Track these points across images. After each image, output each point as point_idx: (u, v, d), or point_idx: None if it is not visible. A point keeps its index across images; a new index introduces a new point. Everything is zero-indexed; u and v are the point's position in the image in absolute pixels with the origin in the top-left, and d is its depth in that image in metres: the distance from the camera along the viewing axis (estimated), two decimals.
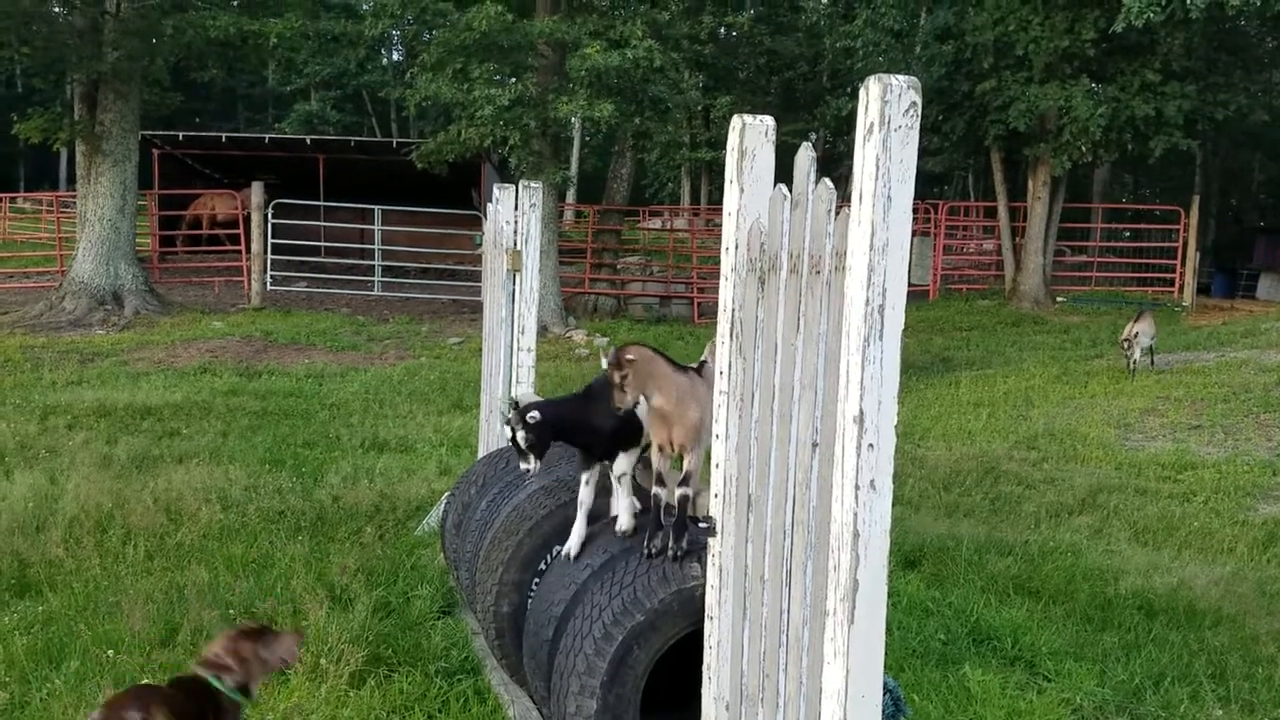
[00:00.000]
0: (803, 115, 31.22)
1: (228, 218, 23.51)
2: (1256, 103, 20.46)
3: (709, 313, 19.36)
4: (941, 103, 20.87)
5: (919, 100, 2.85)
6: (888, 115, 2.80)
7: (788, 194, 3.30)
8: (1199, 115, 19.31)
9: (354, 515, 7.27)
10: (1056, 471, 9.77)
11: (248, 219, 19.86)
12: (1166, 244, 21.10)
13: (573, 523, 4.47)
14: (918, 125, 2.87)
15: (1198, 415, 11.76)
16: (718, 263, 20.19)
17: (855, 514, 2.87)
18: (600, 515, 4.50)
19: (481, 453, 6.93)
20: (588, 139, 35.74)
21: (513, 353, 6.54)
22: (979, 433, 11.08)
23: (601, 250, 20.65)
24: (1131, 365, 13.78)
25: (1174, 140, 18.47)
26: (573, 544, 4.14)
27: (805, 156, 3.20)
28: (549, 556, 4.50)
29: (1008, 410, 12.16)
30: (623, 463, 4.14)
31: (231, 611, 5.27)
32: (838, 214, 3.07)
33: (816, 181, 3.16)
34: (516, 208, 6.48)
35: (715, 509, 3.59)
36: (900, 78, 2.86)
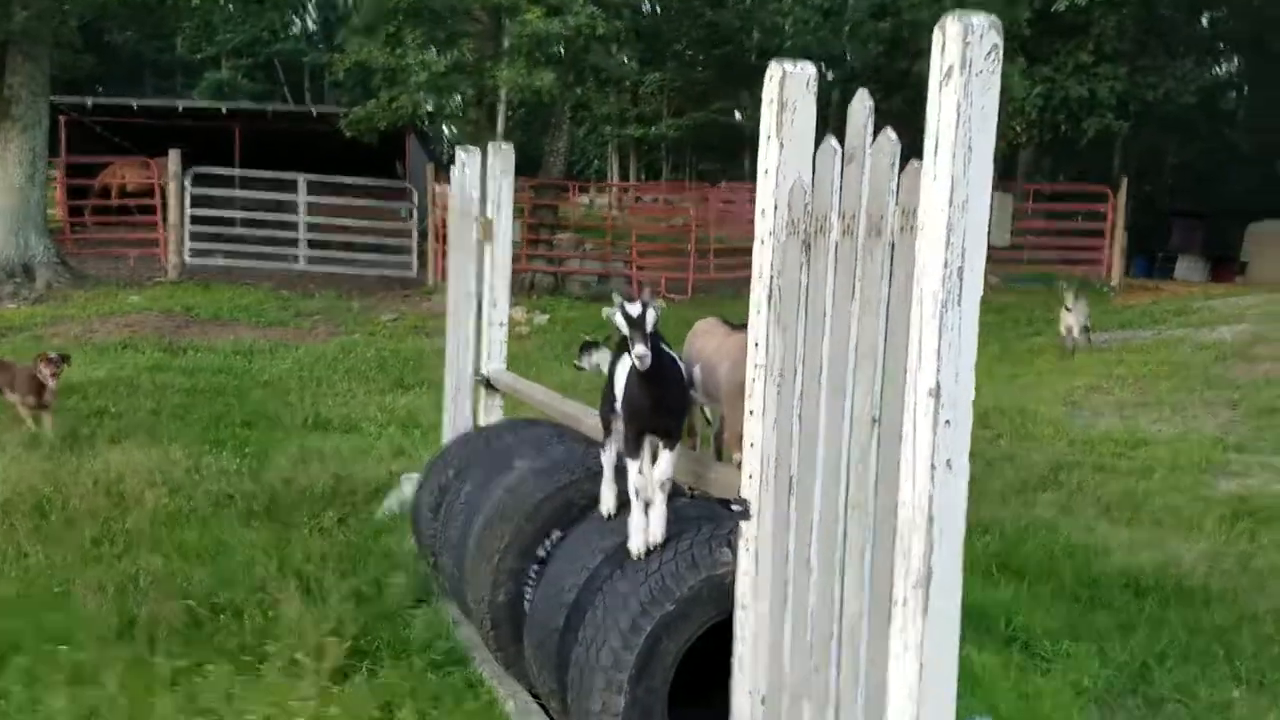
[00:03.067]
0: (741, 92, 31.05)
1: (139, 187, 22.47)
2: (1183, 86, 20.87)
3: None
4: (879, 81, 20.85)
5: (1001, 43, 2.63)
6: (969, 58, 2.57)
7: (838, 148, 3.04)
8: (1129, 97, 19.60)
9: (309, 499, 6.87)
10: (1014, 449, 9.75)
11: (163, 189, 19.00)
12: (1095, 225, 21.42)
13: (574, 507, 4.21)
14: (1000, 70, 2.64)
15: (1143, 393, 11.89)
16: (655, 240, 19.96)
17: (931, 496, 2.65)
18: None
19: (447, 433, 6.60)
20: (510, 112, 35.20)
21: (484, 327, 6.21)
22: None
23: (538, 226, 20.22)
24: (1071, 346, 13.92)
25: (1106, 122, 18.73)
26: (608, 502, 3.83)
27: (862, 107, 2.95)
28: (548, 543, 4.21)
29: None
30: (672, 464, 3.59)
31: (190, 602, 4.88)
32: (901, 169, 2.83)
33: (875, 133, 2.91)
34: (485, 173, 6.14)
35: (748, 490, 3.34)
36: (981, 17, 2.64)
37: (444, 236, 19.44)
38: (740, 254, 22.76)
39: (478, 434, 5.46)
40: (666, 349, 3.59)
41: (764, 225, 3.30)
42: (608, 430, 3.86)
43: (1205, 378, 12.19)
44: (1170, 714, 4.43)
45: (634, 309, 3.39)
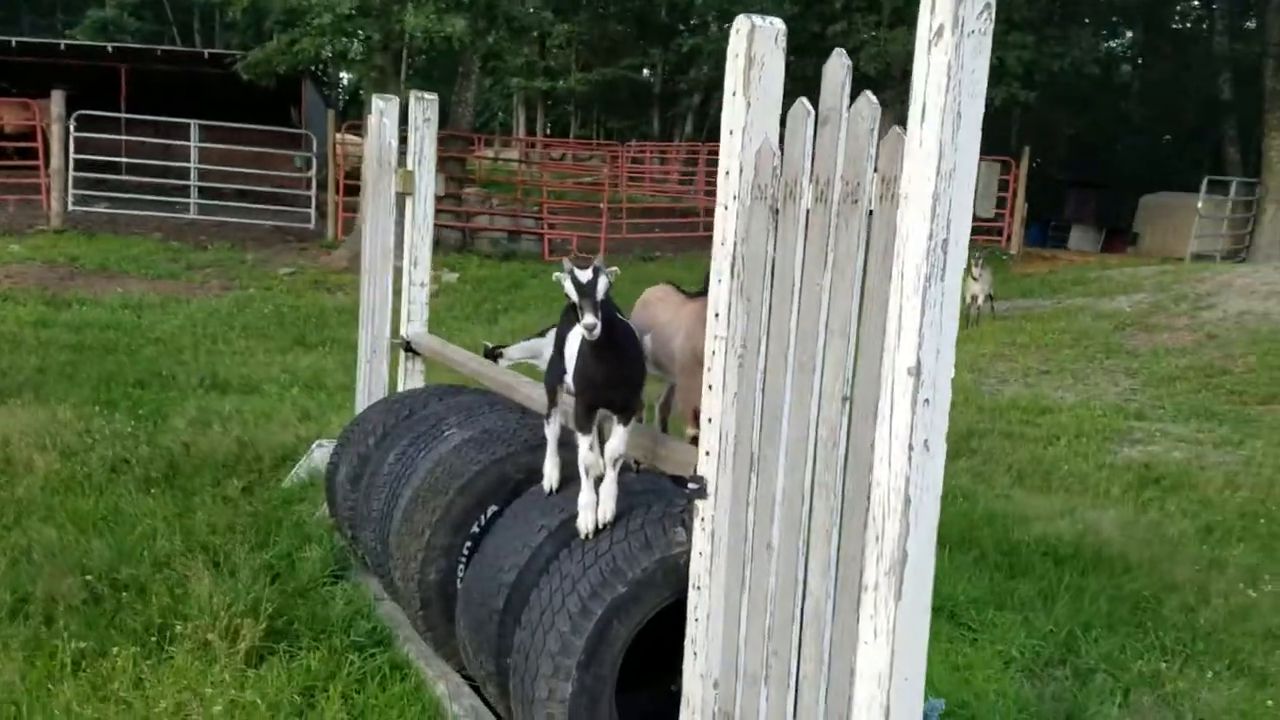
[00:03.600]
0: (652, 49, 30.64)
1: (18, 129, 21.23)
2: (1087, 56, 21.25)
3: (559, 250, 18.81)
4: (790, 43, 20.68)
5: (994, 2, 2.49)
6: (960, 16, 2.43)
7: (811, 110, 2.88)
8: (1036, 67, 19.90)
9: (210, 465, 6.53)
10: None
11: (45, 132, 17.92)
12: (997, 194, 21.78)
13: (510, 480, 4.01)
14: (991, 31, 2.51)
15: (1045, 360, 12.13)
16: (565, 198, 19.55)
17: (908, 478, 2.53)
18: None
19: (361, 399, 6.31)
20: (410, 59, 34.21)
21: (403, 287, 5.92)
22: None
23: (445, 180, 19.67)
24: (975, 314, 14.14)
25: (1012, 91, 19.01)
26: (551, 477, 3.65)
27: (839, 65, 2.79)
28: (483, 517, 4.01)
29: None
30: (626, 441, 3.39)
31: (89, 577, 4.55)
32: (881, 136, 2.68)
33: (853, 96, 2.76)
34: (407, 122, 5.83)
35: (705, 468, 3.19)
36: None
37: (346, 188, 18.95)
38: (654, 214, 22.60)
39: (400, 400, 5.20)
40: (621, 318, 3.41)
41: (728, 189, 3.13)
42: (553, 401, 3.67)
43: (1105, 346, 12.50)
44: (1100, 685, 4.46)
45: (584, 275, 3.19)
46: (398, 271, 6.00)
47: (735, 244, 3.11)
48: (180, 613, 4.25)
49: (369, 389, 6.26)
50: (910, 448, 2.52)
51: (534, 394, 4.49)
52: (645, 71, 35.75)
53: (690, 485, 3.20)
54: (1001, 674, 4.58)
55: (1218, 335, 12.66)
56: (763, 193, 3.04)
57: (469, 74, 19.89)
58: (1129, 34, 39.05)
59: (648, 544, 3.27)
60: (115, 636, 4.10)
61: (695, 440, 3.72)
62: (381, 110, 6.18)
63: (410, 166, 5.80)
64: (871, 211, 2.67)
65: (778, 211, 2.99)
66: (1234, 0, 28.62)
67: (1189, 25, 37.91)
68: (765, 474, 3.02)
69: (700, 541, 3.20)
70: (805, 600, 2.87)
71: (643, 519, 3.35)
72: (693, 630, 3.23)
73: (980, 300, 14.20)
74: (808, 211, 2.88)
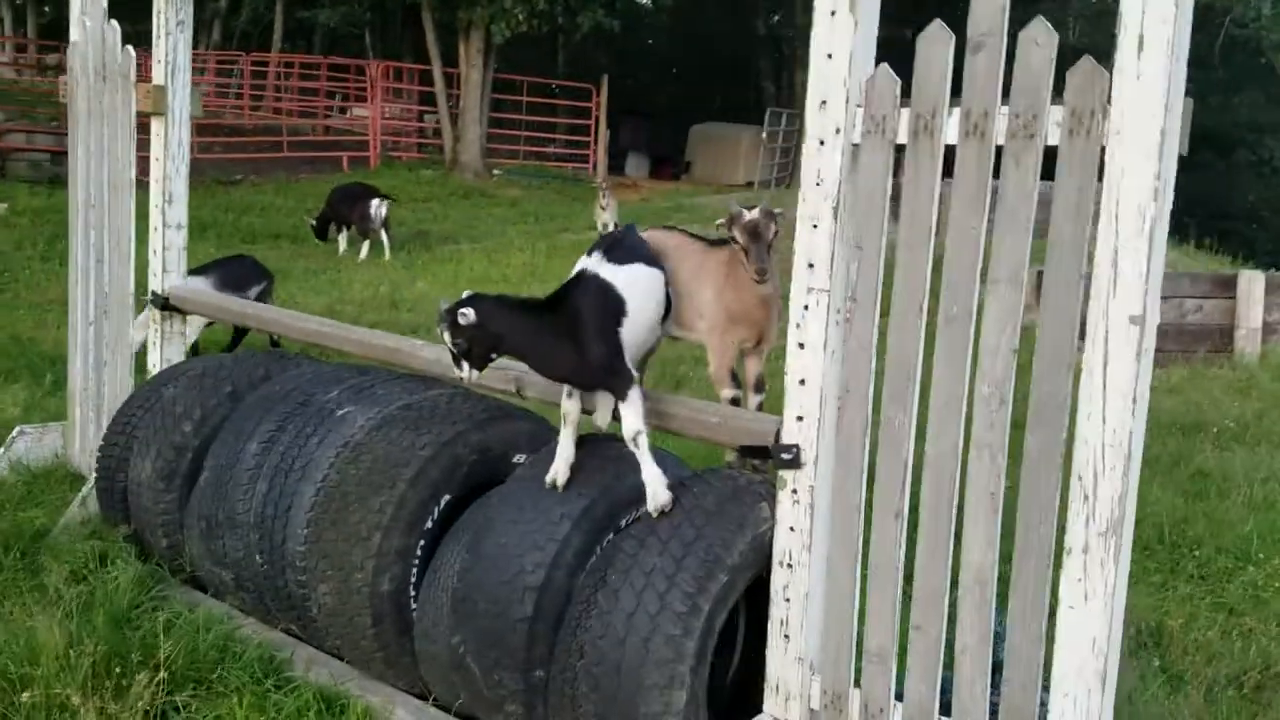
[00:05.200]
0: None
1: None
2: None
3: None
4: None
5: None
6: None
7: (950, 33, 2.61)
8: None
9: None
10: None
11: None
12: (583, 121, 22.24)
13: (462, 465, 3.39)
14: None
15: None
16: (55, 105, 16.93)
17: (1131, 432, 2.43)
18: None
19: (80, 374, 5.06)
20: None
21: (157, 229, 4.76)
22: None
23: None
24: None
25: (597, 18, 19.34)
26: (559, 470, 3.09)
27: None
28: (436, 510, 3.36)
29: (535, 287, 11.97)
30: (635, 414, 3.02)
31: None
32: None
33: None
34: (159, 26, 4.63)
35: (798, 435, 2.87)
36: None
37: None
38: (217, 132, 20.28)
39: (211, 374, 4.15)
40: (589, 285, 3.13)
41: (825, 121, 2.78)
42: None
43: None
44: None
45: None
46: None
47: (838, 183, 2.77)
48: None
49: (96, 360, 5.01)
50: (1134, 400, 2.42)
51: (432, 356, 3.83)
52: None
53: (782, 455, 2.87)
54: None
55: None
56: (878, 125, 2.73)
57: None
58: None
59: (741, 524, 2.89)
60: None
61: (735, 402, 3.36)
62: (85, 11, 4.89)
63: (162, 80, 4.63)
64: (1069, 148, 2.48)
65: (902, 147, 2.71)
66: None
67: None
68: (891, 437, 2.77)
69: (792, 515, 2.89)
70: (963, 569, 2.69)
71: (716, 496, 2.96)
72: (782, 611, 2.93)
73: (611, 229, 14.46)
74: (955, 148, 2.63)
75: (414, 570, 3.32)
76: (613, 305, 3.06)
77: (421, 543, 3.32)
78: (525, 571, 2.99)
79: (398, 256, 13.80)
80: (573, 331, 3.01)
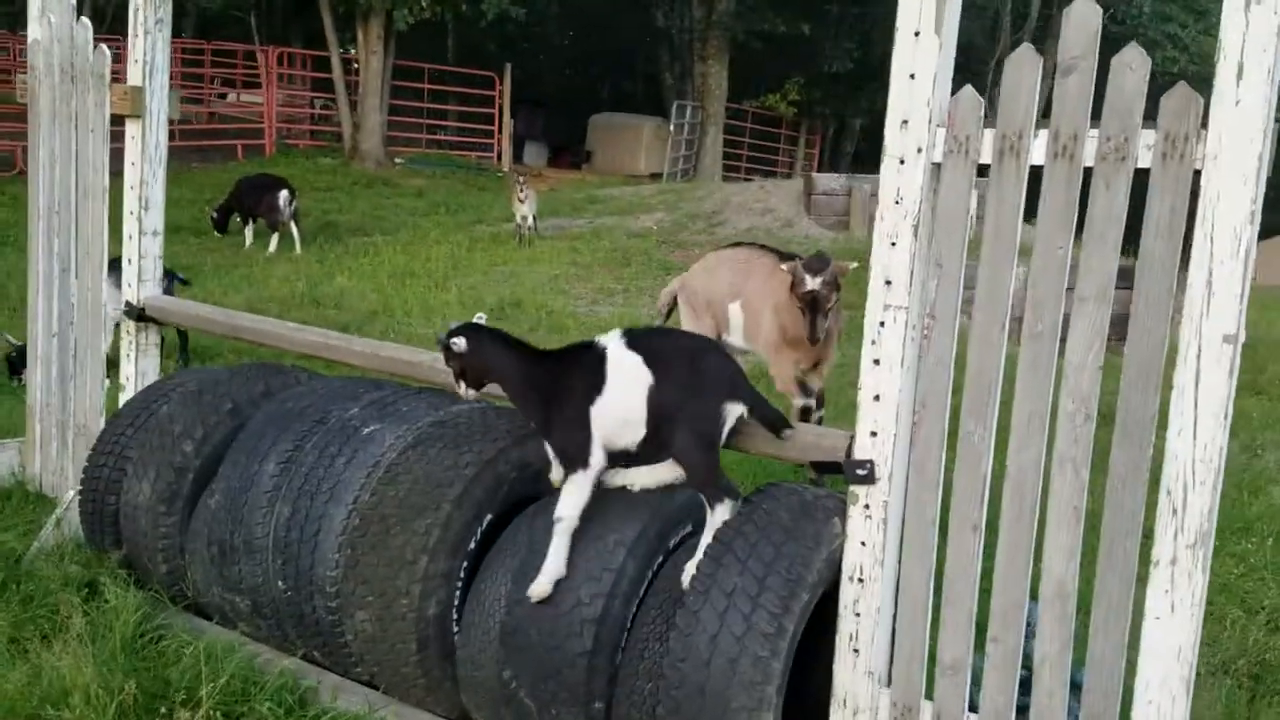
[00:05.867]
0: None
1: None
2: None
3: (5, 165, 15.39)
4: None
5: None
6: None
7: (1038, 55, 2.65)
8: None
9: None
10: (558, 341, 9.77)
11: None
12: (484, 109, 21.90)
13: (504, 483, 3.30)
14: None
15: (615, 279, 12.61)
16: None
17: (1221, 448, 2.52)
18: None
19: (41, 390, 4.80)
20: None
21: (133, 237, 4.51)
22: (454, 305, 10.57)
23: None
24: (522, 234, 14.26)
25: (503, 5, 19.05)
26: (544, 582, 2.97)
27: (1089, 11, 2.60)
28: (479, 530, 3.26)
29: (460, 282, 11.76)
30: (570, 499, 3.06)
31: None
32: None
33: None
34: (137, 24, 4.37)
35: (872, 450, 2.88)
36: None
37: None
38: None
39: (207, 389, 3.93)
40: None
41: (907, 140, 2.78)
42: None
43: (659, 262, 13.30)
44: None
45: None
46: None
47: (918, 202, 2.79)
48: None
49: (61, 375, 4.72)
50: (1226, 417, 2.50)
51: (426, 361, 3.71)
52: None
53: (857, 470, 2.87)
54: None
55: None
56: (961, 145, 2.75)
57: None
58: None
59: (817, 540, 2.89)
60: None
61: (806, 410, 3.36)
62: (48, 8, 4.59)
63: (139, 81, 4.37)
64: (1145, 171, 2.55)
65: (990, 167, 2.73)
66: None
67: None
68: (970, 452, 2.80)
69: (864, 530, 2.90)
70: (1044, 581, 2.74)
71: (789, 512, 2.94)
72: (852, 625, 2.94)
73: (529, 221, 14.32)
74: (1043, 169, 2.67)
75: (457, 593, 3.22)
76: (596, 381, 3.03)
77: (465, 564, 3.23)
78: (582, 604, 2.93)
79: (309, 250, 13.40)
80: (551, 393, 3.10)
